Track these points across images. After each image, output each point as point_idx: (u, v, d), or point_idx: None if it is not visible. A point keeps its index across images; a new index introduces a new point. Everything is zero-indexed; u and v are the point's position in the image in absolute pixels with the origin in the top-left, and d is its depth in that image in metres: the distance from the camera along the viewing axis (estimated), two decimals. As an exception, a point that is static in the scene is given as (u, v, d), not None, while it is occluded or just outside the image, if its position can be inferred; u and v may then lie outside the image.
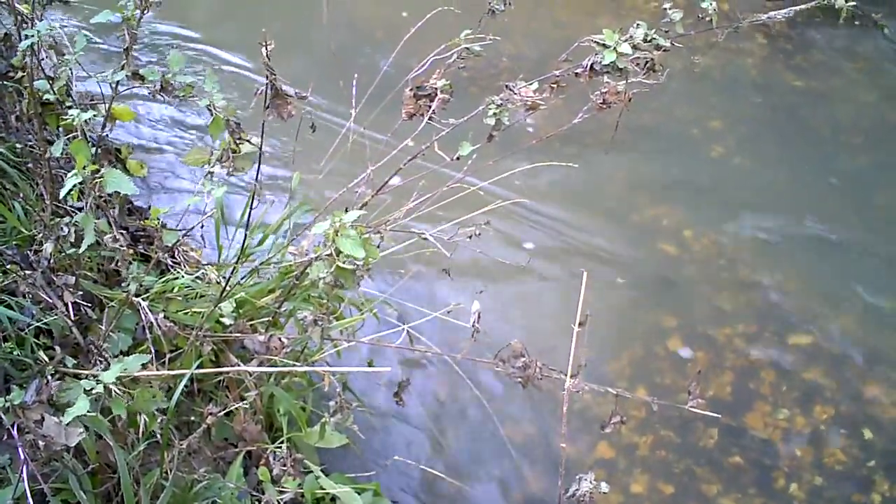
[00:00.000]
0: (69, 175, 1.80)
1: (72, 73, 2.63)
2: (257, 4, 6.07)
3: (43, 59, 2.76)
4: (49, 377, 2.00)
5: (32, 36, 2.12)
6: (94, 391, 1.76)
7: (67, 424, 1.77)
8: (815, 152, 4.84)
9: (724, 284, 4.04)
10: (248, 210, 2.58)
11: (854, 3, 2.38)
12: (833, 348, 3.74)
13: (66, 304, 2.39)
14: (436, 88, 2.30)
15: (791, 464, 3.32)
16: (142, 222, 3.31)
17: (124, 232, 2.69)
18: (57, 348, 2.36)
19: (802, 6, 2.53)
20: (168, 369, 2.42)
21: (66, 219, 2.33)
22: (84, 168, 1.79)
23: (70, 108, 2.16)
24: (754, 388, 3.59)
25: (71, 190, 1.78)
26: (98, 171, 1.82)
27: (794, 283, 4.04)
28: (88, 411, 1.71)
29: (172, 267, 3.07)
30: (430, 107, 2.31)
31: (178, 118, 4.95)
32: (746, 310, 3.92)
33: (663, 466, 3.32)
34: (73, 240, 2.23)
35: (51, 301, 2.38)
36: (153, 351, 2.48)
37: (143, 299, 2.53)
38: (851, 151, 4.84)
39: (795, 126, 5.02)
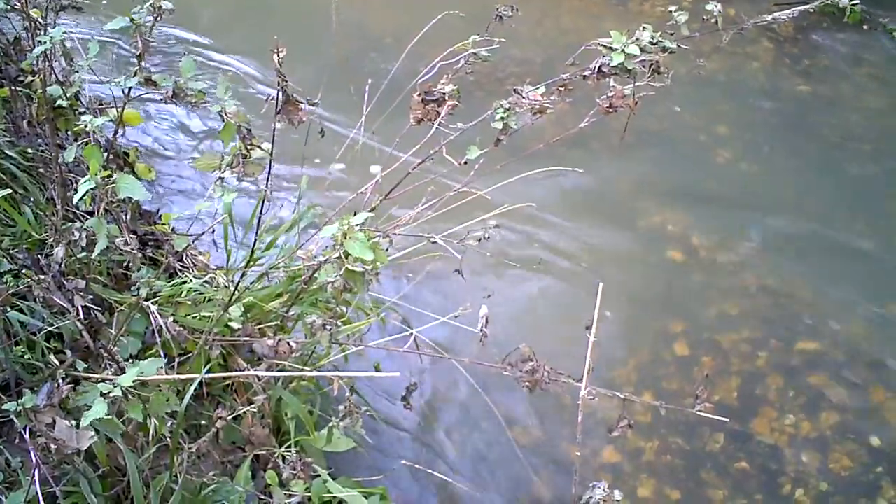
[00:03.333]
0: (82, 180, 1.81)
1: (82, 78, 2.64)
2: (265, 10, 6.10)
3: (54, 64, 2.78)
4: (60, 381, 2.01)
5: (46, 42, 2.13)
6: (111, 395, 1.77)
7: (80, 428, 1.79)
8: (822, 158, 4.83)
9: (730, 290, 4.04)
10: (257, 215, 2.59)
11: (857, 2, 2.39)
12: (839, 354, 3.74)
13: (76, 308, 2.40)
14: (444, 93, 2.31)
15: (797, 469, 3.32)
16: (150, 226, 3.32)
17: (133, 236, 2.71)
18: (67, 352, 2.37)
19: (808, 6, 2.54)
20: (177, 373, 2.43)
21: (77, 223, 2.34)
22: (97, 173, 1.80)
23: (82, 113, 2.17)
24: (761, 393, 3.59)
25: (84, 195, 1.79)
26: (110, 176, 1.83)
27: (801, 290, 4.04)
28: (105, 415, 1.72)
29: (181, 271, 3.09)
30: (438, 112, 2.32)
31: (182, 121, 4.98)
32: (753, 315, 3.92)
33: (669, 471, 3.32)
34: (84, 244, 2.25)
35: (62, 305, 2.40)
36: (163, 355, 2.50)
37: (152, 303, 2.55)
38: (859, 158, 4.83)
39: (802, 132, 5.02)
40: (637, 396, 2.15)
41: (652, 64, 2.14)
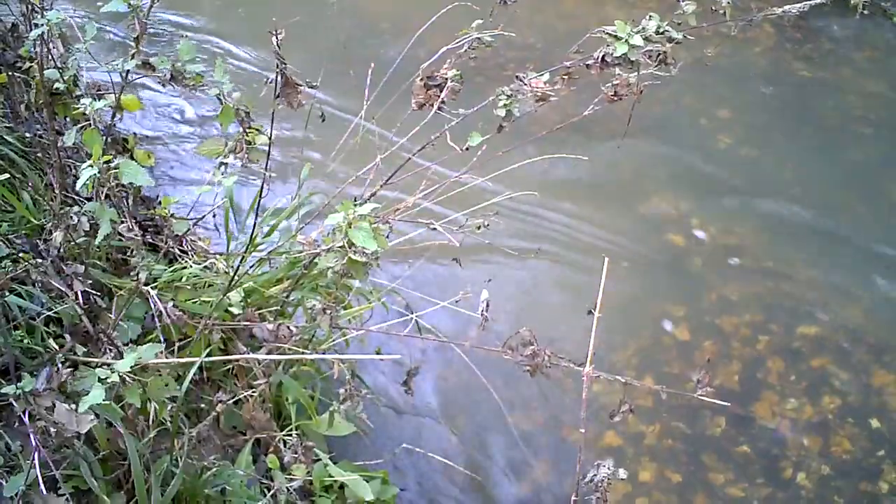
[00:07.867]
0: (84, 166, 1.80)
1: (80, 64, 2.62)
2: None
3: (52, 49, 2.76)
4: (59, 365, 2.00)
5: (42, 25, 2.11)
6: (108, 380, 1.77)
7: (80, 412, 1.78)
8: (823, 143, 4.82)
9: (731, 274, 4.04)
10: (257, 200, 2.58)
11: (863, -14, 2.36)
12: (841, 338, 3.74)
13: (75, 293, 2.39)
14: (446, 78, 2.30)
15: (799, 453, 3.32)
16: (150, 212, 3.31)
17: (134, 221, 2.71)
18: (67, 336, 2.37)
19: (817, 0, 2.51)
20: (177, 358, 2.43)
21: (76, 208, 2.33)
22: (99, 159, 1.79)
23: (80, 97, 2.16)
24: (762, 377, 3.59)
25: (86, 181, 1.78)
26: (109, 161, 1.82)
27: (802, 273, 4.03)
28: (103, 400, 1.72)
29: (181, 256, 3.08)
30: (439, 97, 2.30)
31: (181, 107, 4.96)
32: (754, 299, 3.91)
33: (671, 455, 3.32)
34: (85, 228, 2.24)
35: (61, 289, 2.39)
36: (162, 339, 2.49)
37: (152, 288, 2.54)
38: (860, 142, 4.82)
39: (804, 116, 5.01)
40: (638, 381, 2.15)
41: (659, 54, 2.12)
